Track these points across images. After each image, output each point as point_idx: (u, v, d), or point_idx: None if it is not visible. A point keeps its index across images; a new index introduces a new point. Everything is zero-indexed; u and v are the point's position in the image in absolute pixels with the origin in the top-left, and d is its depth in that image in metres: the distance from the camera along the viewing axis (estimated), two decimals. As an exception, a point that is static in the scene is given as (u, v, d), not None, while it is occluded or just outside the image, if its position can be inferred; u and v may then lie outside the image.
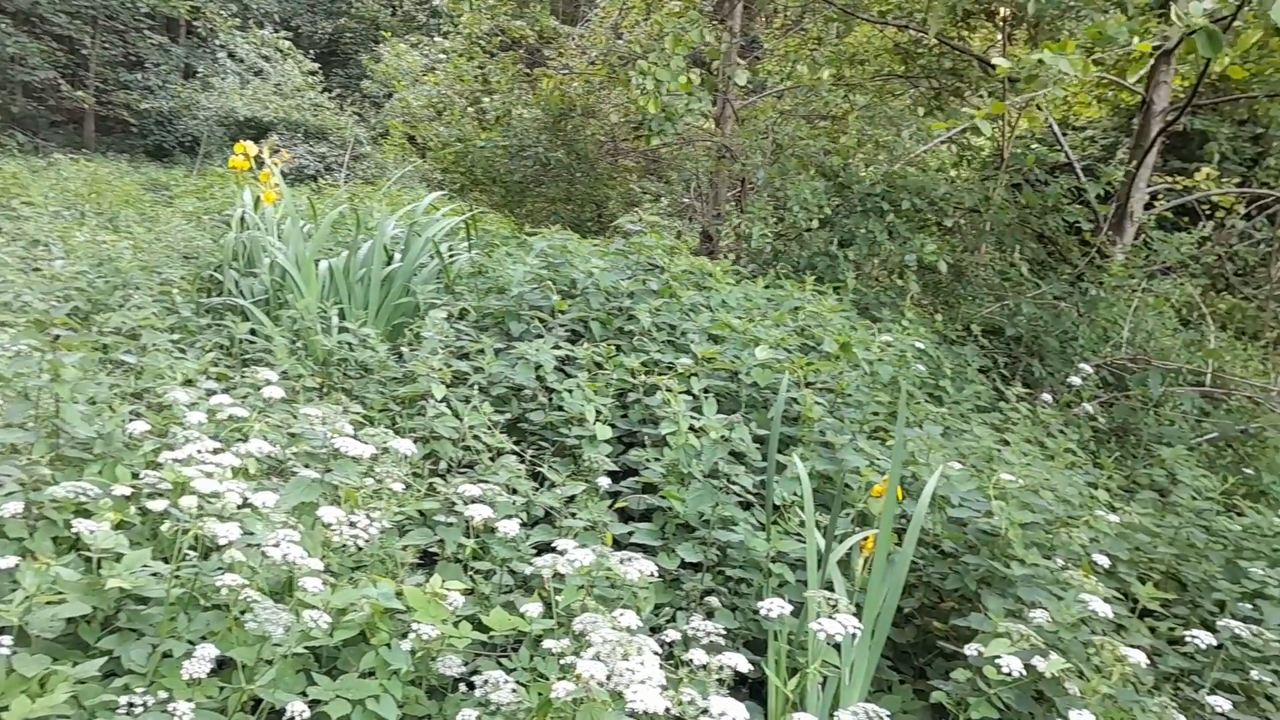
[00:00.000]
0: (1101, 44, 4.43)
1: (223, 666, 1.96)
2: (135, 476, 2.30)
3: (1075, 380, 4.79)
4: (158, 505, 2.11)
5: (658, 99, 5.73)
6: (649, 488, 2.95)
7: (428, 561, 2.61)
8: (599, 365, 3.63)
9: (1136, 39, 4.57)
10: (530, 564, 2.27)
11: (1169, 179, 8.30)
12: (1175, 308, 6.57)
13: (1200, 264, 7.19)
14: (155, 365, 3.17)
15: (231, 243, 4.86)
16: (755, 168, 7.62)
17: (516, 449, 3.10)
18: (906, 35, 8.27)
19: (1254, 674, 2.41)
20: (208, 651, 1.85)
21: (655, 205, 9.71)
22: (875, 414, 3.66)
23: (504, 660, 2.18)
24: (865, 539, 2.53)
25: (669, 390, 3.18)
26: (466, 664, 2.08)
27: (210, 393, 2.88)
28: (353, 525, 2.00)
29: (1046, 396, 4.54)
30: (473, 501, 2.36)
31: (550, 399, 3.41)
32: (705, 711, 1.54)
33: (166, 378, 3.07)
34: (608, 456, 2.99)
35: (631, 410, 3.52)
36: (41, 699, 1.72)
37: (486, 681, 1.87)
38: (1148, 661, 2.20)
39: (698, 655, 1.80)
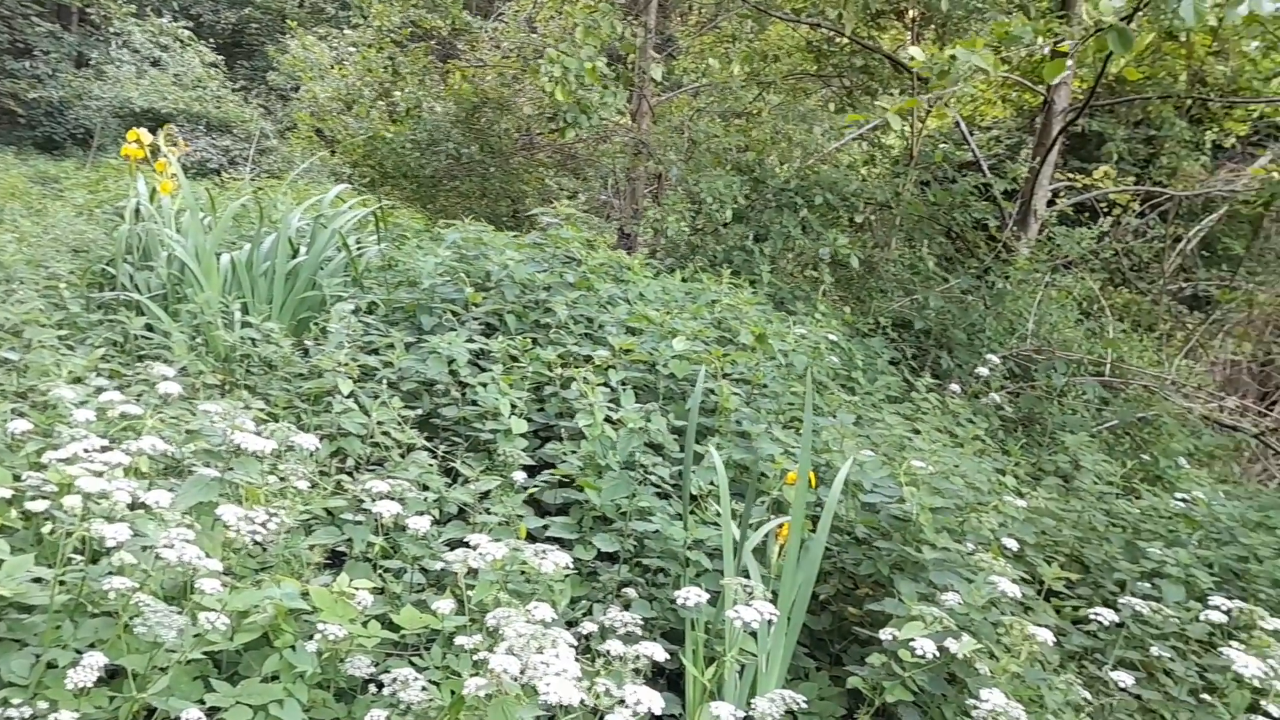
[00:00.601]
0: (1007, 43, 4.55)
1: (114, 676, 1.85)
2: (17, 478, 2.16)
3: (982, 371, 4.92)
4: (40, 507, 1.99)
5: (566, 87, 5.67)
6: (565, 481, 2.90)
7: (336, 562, 2.53)
8: (514, 359, 3.57)
9: (1040, 39, 4.70)
10: (442, 560, 2.21)
11: (1069, 177, 8.61)
12: (1077, 301, 6.81)
13: (1099, 259, 7.47)
14: (40, 362, 2.99)
15: (125, 235, 4.63)
16: (670, 163, 7.63)
17: (428, 445, 3.02)
18: (819, 34, 8.39)
19: (1153, 650, 2.49)
20: (95, 660, 1.74)
21: (573, 202, 9.66)
22: (791, 404, 3.68)
23: (416, 659, 2.12)
24: (780, 526, 2.54)
25: (586, 382, 3.14)
26: (376, 664, 2.01)
27: (100, 390, 2.73)
28: (251, 522, 1.90)
29: (955, 387, 4.64)
30: (381, 498, 2.29)
31: (464, 393, 3.34)
32: (621, 701, 1.51)
33: (52, 375, 2.91)
34: (524, 451, 2.94)
35: (548, 403, 3.47)
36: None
37: (396, 680, 1.80)
38: (1054, 640, 2.25)
39: (614, 646, 1.77)
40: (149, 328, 3.95)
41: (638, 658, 1.73)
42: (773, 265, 6.14)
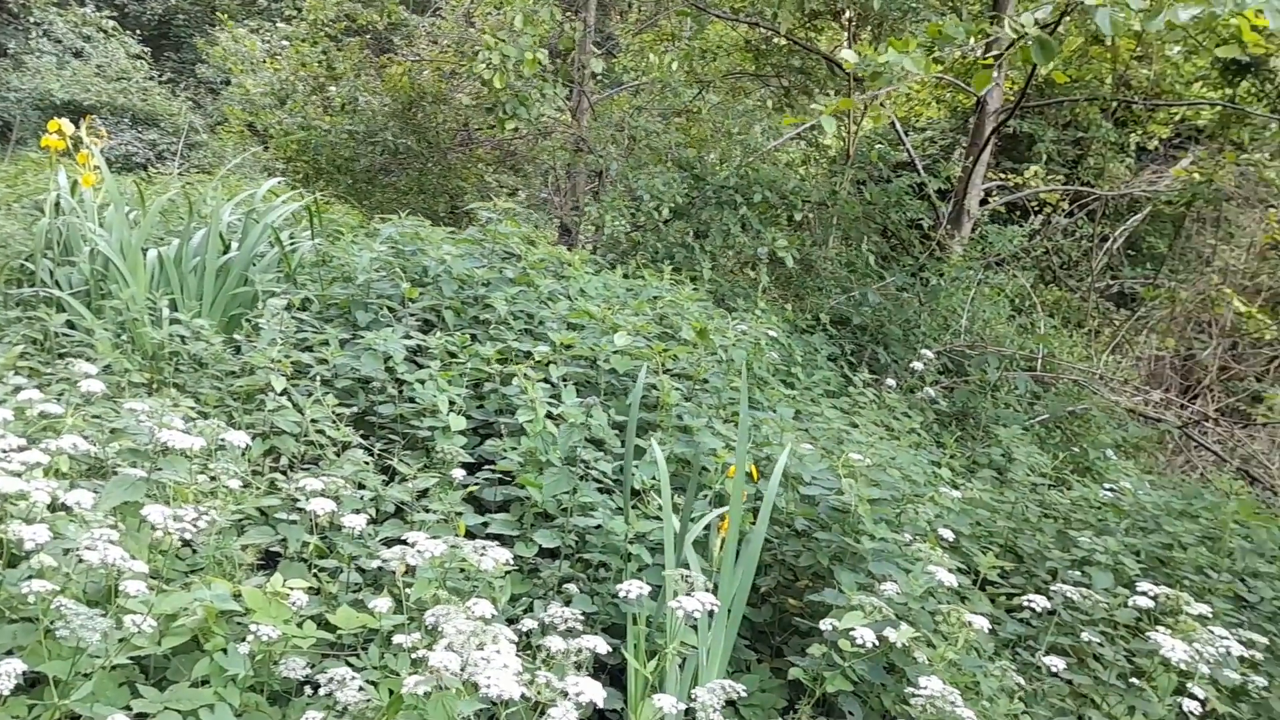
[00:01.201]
0: (941, 43, 4.62)
1: (34, 684, 1.78)
2: (-73, 480, 2.06)
3: (918, 366, 5.00)
4: (-48, 509, 1.90)
5: (504, 75, 5.62)
6: (506, 478, 2.87)
7: (270, 562, 2.46)
8: (453, 355, 3.52)
9: (973, 40, 4.79)
10: (379, 559, 2.17)
11: (1001, 177, 8.80)
12: (1009, 298, 6.96)
13: (1030, 257, 7.65)
14: (-47, 360, 2.87)
15: (45, 229, 4.46)
16: (610, 159, 7.62)
17: (364, 443, 2.96)
18: (757, 33, 8.45)
19: (1084, 635, 2.55)
20: (13, 667, 1.66)
21: (513, 198, 9.59)
22: (732, 399, 3.70)
23: (353, 659, 2.07)
24: (722, 519, 2.54)
25: (527, 378, 3.11)
26: (312, 665, 1.96)
27: (18, 389, 2.62)
28: (180, 521, 1.84)
29: (891, 382, 4.71)
30: (316, 496, 2.23)
31: (401, 391, 3.28)
32: (563, 693, 1.49)
33: (-34, 373, 2.78)
34: (463, 448, 2.90)
35: (488, 400, 3.42)
36: None
37: (332, 680, 1.76)
38: (989, 628, 2.29)
39: (555, 641, 1.75)
40: (70, 325, 3.81)
41: (579, 651, 1.72)
42: (713, 262, 6.17)
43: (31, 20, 19.40)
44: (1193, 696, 2.22)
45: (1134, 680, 2.44)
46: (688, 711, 1.81)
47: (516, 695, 1.43)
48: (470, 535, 2.50)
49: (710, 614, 1.93)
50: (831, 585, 2.54)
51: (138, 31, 20.79)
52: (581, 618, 1.96)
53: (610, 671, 2.43)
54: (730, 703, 1.84)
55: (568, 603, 2.34)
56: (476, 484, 2.87)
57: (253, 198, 5.13)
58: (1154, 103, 8.40)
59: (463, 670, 1.53)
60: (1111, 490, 3.77)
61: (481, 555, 1.98)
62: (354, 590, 2.36)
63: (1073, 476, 4.13)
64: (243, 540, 2.34)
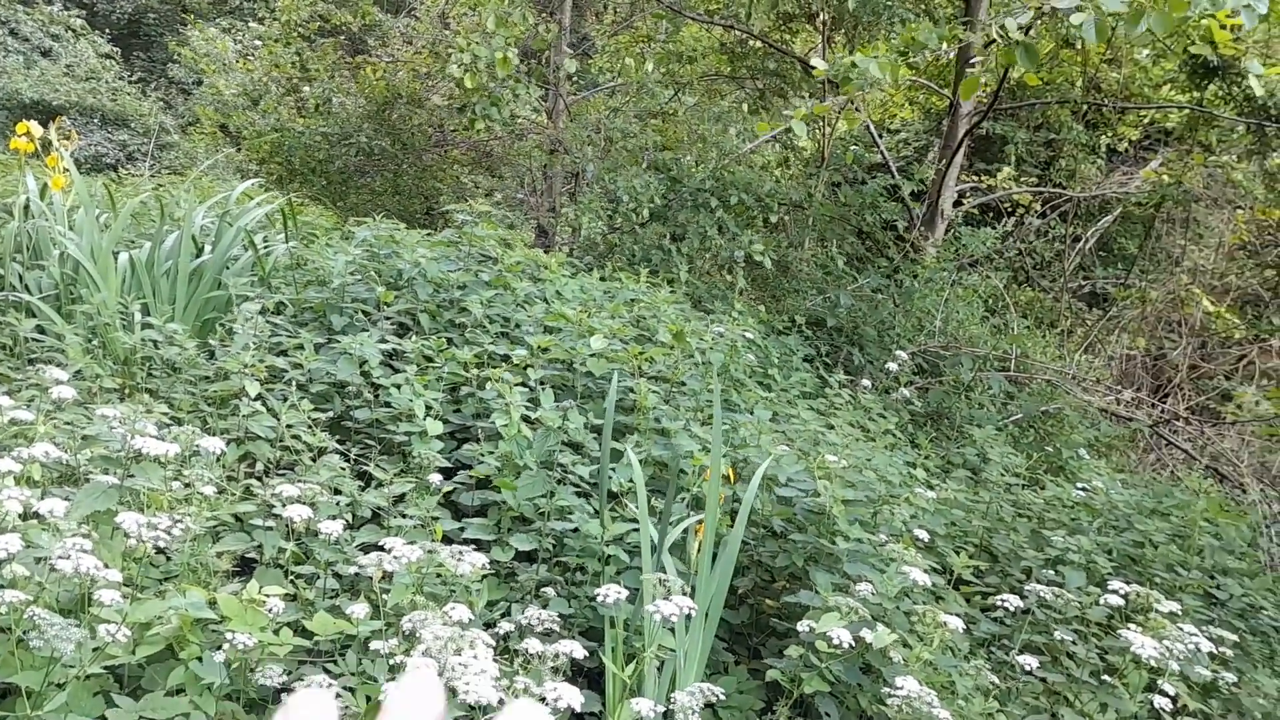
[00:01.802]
0: (915, 48, 4.66)
1: (6, 695, 1.76)
2: (-105, 490, 2.03)
3: (893, 367, 5.03)
4: (-79, 518, 1.87)
5: (476, 75, 5.60)
6: (483, 482, 2.87)
7: (246, 569, 2.45)
8: (429, 359, 3.51)
9: (945, 45, 4.83)
10: (356, 564, 2.16)
11: (975, 179, 8.88)
12: (982, 299, 7.02)
13: (1003, 258, 7.72)
14: (-80, 366, 2.83)
15: (13, 232, 4.41)
16: (587, 161, 7.62)
17: (340, 448, 2.95)
18: (733, 36, 8.48)
19: (1057, 634, 2.58)
20: (-15, 678, 1.65)
21: (488, 200, 9.57)
22: (709, 402, 3.71)
23: (330, 666, 2.06)
24: (699, 523, 2.55)
25: (503, 382, 3.11)
26: (289, 673, 1.95)
27: (-12, 395, 2.59)
28: (154, 529, 1.83)
29: (866, 383, 4.74)
30: (292, 502, 2.22)
31: (376, 395, 3.27)
32: (541, 698, 1.50)
33: (-65, 379, 2.75)
34: (439, 453, 2.89)
35: (465, 404, 3.41)
36: None
37: (309, 686, 1.75)
38: (964, 628, 2.32)
39: (532, 645, 1.75)
40: (41, 330, 3.76)
41: (557, 656, 1.72)
42: (690, 265, 6.19)
43: (-2, 19, 19.15)
44: (1164, 693, 2.25)
45: (1106, 678, 2.48)
46: (666, 715, 1.81)
47: (495, 700, 1.43)
48: (447, 540, 2.50)
49: (688, 617, 1.94)
50: (808, 586, 2.56)
51: (107, 30, 20.56)
52: (559, 620, 1.96)
53: (588, 674, 2.44)
54: (709, 705, 1.85)
55: (545, 606, 2.34)
56: (453, 488, 2.86)
57: (226, 200, 5.09)
58: (1124, 105, 8.50)
59: (440, 675, 1.53)
60: (1084, 489, 3.81)
61: (458, 560, 1.98)
62: (331, 596, 2.35)
63: (1046, 476, 4.18)
64: (218, 547, 2.32)
